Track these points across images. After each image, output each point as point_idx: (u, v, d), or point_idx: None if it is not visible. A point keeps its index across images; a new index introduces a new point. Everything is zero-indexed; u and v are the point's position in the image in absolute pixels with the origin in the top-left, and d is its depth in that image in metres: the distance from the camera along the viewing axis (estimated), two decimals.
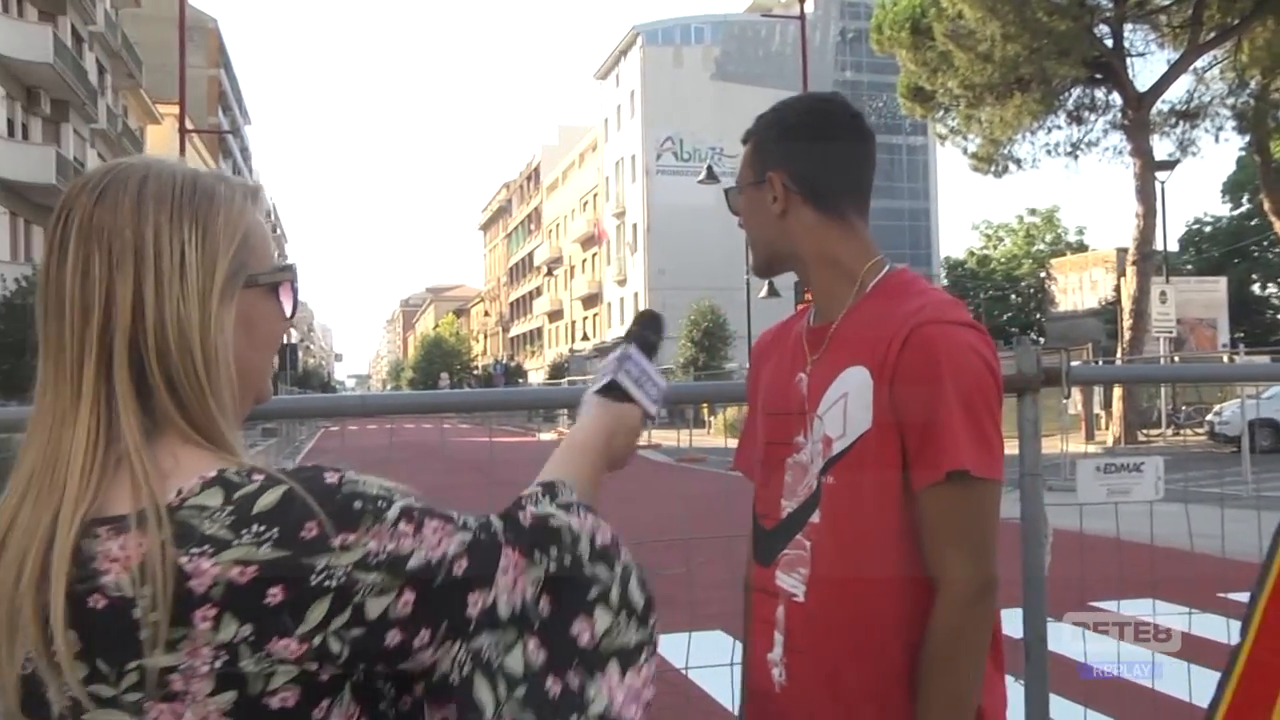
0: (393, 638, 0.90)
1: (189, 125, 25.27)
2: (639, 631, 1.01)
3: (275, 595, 0.85)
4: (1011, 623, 1.89)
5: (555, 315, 79.23)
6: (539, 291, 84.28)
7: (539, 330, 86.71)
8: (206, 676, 0.85)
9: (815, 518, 1.64)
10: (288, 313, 1.06)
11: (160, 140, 48.47)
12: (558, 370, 64.78)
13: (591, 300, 70.87)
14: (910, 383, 1.54)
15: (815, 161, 1.71)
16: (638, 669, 1.00)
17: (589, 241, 71.15)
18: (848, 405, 1.61)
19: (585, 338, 67.56)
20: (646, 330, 1.46)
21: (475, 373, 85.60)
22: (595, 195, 70.51)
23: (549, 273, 77.71)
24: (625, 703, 0.97)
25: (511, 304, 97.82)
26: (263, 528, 0.86)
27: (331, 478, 0.92)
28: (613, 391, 1.34)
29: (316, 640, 0.87)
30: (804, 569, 1.65)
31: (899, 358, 1.55)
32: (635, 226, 62.48)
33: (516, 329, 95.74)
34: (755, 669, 1.75)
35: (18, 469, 0.95)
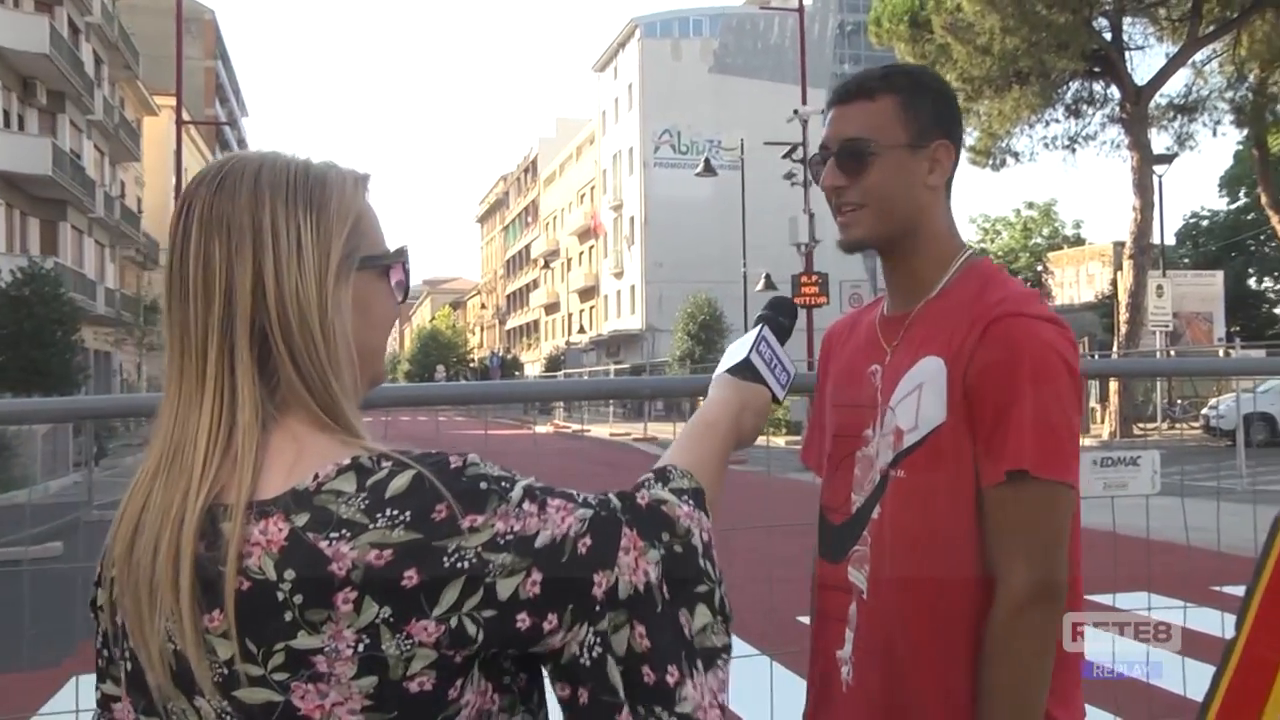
0: (523, 620, 0.92)
1: (186, 117, 25.23)
2: (724, 636, 1.03)
3: (411, 578, 0.88)
4: None
5: (552, 308, 79.17)
6: (536, 284, 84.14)
7: (535, 323, 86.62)
8: (350, 660, 0.88)
9: (876, 513, 1.61)
10: (399, 296, 1.09)
11: (157, 132, 48.37)
12: (554, 363, 64.77)
13: (588, 293, 70.78)
14: (985, 376, 1.50)
15: (962, 141, 1.69)
16: (717, 671, 1.01)
17: (586, 234, 71.05)
18: (921, 397, 1.56)
19: (582, 330, 67.51)
20: (780, 314, 1.47)
21: (471, 365, 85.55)
22: (592, 188, 70.38)
23: (546, 265, 77.60)
24: (708, 705, 0.99)
25: (508, 296, 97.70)
26: (396, 511, 0.89)
27: (456, 461, 0.95)
28: (744, 371, 1.36)
29: (453, 622, 0.89)
30: (868, 565, 1.62)
31: (976, 349, 1.51)
32: (632, 219, 62.38)
33: (513, 321, 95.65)
34: (823, 666, 1.72)
35: (149, 452, 0.98)
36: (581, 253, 73.09)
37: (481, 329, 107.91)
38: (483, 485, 0.93)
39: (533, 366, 77.17)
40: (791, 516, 2.88)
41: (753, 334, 1.41)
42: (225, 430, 0.95)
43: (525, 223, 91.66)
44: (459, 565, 0.89)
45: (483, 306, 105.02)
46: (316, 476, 0.92)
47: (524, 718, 1.00)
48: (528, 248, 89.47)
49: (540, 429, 25.73)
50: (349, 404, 0.99)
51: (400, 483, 0.91)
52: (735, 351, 1.40)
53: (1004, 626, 1.46)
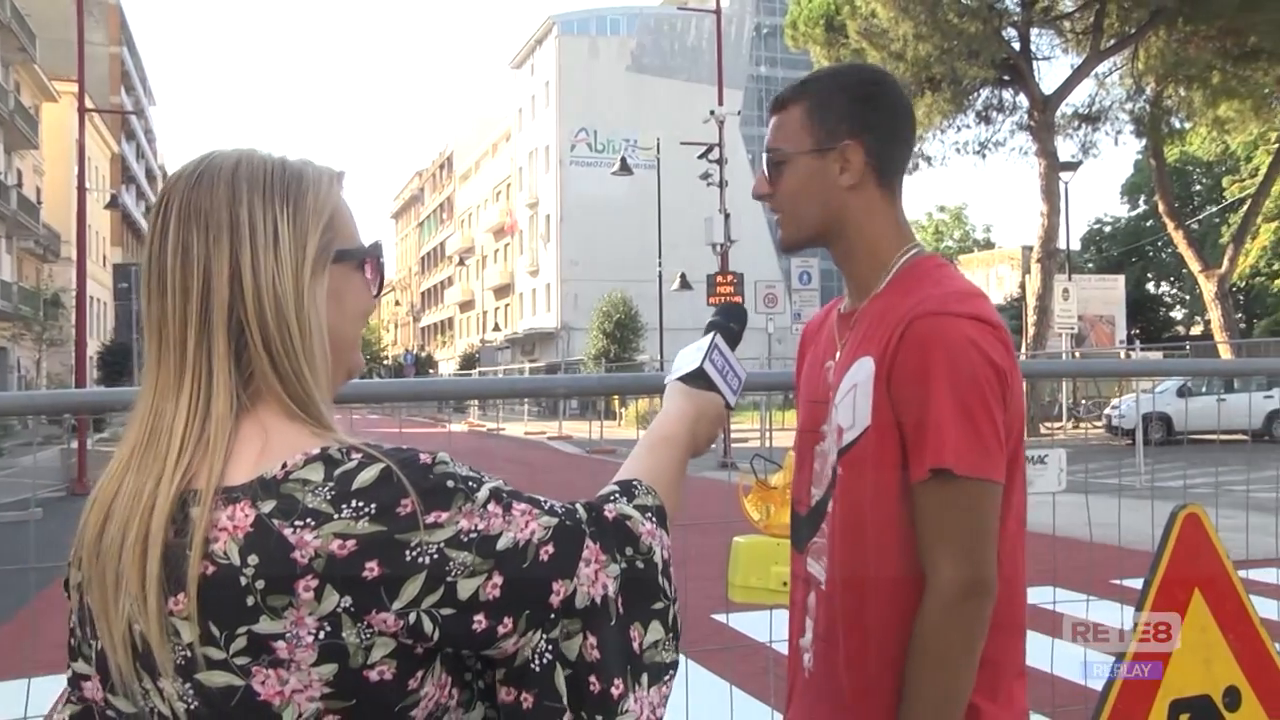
0: (479, 622, 0.93)
1: (89, 104, 24.44)
2: (673, 653, 1.05)
3: (372, 569, 0.89)
4: None
5: (467, 305, 78.52)
6: (451, 281, 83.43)
7: (450, 320, 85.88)
8: (310, 646, 0.89)
9: (830, 506, 1.64)
10: (374, 289, 1.11)
11: (57, 119, 46.70)
12: (469, 361, 64.24)
13: (504, 290, 70.42)
14: (905, 376, 1.51)
15: (890, 135, 1.66)
16: (660, 686, 1.03)
17: (502, 231, 70.67)
18: (856, 396, 1.58)
19: (497, 328, 67.13)
20: (730, 320, 1.48)
21: (385, 363, 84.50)
22: (509, 185, 70.01)
23: (461, 262, 76.92)
24: (648, 717, 1.00)
25: (423, 294, 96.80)
26: (361, 503, 0.90)
27: (425, 458, 0.95)
28: (697, 380, 1.36)
29: (411, 617, 0.90)
30: (825, 557, 1.65)
31: (896, 350, 1.52)
32: (548, 217, 62.21)
33: (427, 319, 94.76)
34: (791, 654, 1.76)
35: (123, 440, 1.00)
36: (497, 250, 72.70)
37: (396, 326, 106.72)
38: (449, 483, 0.94)
39: (447, 364, 76.50)
40: (707, 515, 2.89)
41: (705, 341, 1.41)
42: (200, 420, 0.97)
43: (440, 219, 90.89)
44: (420, 560, 0.90)
45: (397, 303, 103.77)
46: (285, 465, 0.93)
47: (479, 712, 1.01)
48: (443, 244, 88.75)
49: (455, 427, 25.52)
50: (322, 396, 1.01)
51: (368, 475, 0.92)
52: (687, 358, 1.40)
53: (930, 623, 1.48)
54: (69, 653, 1.07)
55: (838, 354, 1.68)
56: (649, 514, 1.08)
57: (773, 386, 3.60)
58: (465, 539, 0.92)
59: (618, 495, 1.10)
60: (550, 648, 0.96)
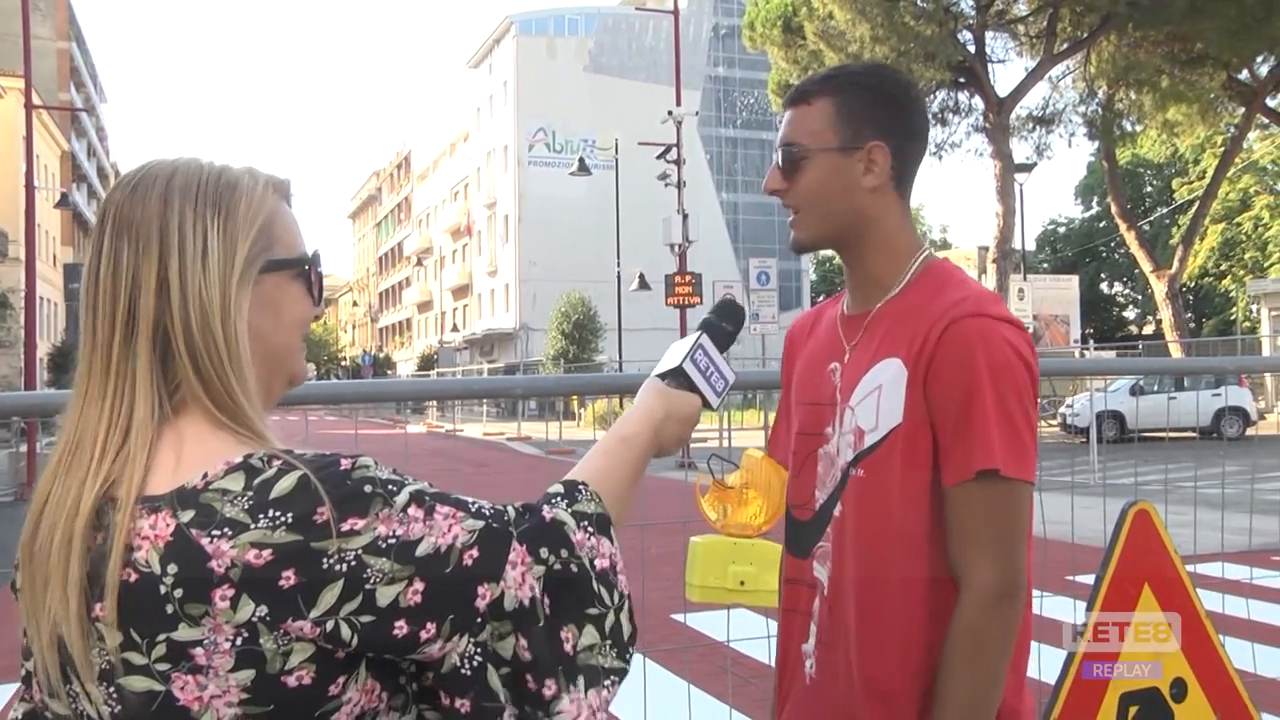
0: (400, 628, 0.93)
1: (36, 100, 24.04)
2: (615, 660, 1.04)
3: (289, 578, 0.89)
4: None
5: (425, 306, 78.07)
6: (408, 282, 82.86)
7: (408, 321, 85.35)
8: (227, 653, 0.89)
9: (838, 510, 1.61)
10: (314, 298, 1.11)
11: (4, 116, 45.73)
12: (427, 362, 63.88)
13: (462, 291, 70.05)
14: (946, 377, 1.50)
15: (909, 136, 1.65)
16: (600, 690, 1.02)
17: (460, 231, 70.30)
18: (881, 398, 1.56)
19: (455, 329, 66.78)
20: (723, 319, 1.44)
21: (343, 364, 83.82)
22: (466, 185, 69.67)
23: (419, 263, 76.49)
24: (585, 718, 1.00)
25: (380, 294, 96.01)
26: (278, 513, 0.90)
27: (346, 463, 0.96)
28: (676, 378, 1.34)
29: (329, 625, 0.90)
30: (830, 561, 1.62)
31: (935, 351, 1.51)
32: (507, 217, 61.96)
33: (385, 319, 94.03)
34: (789, 659, 1.73)
35: (56, 445, 1.02)
36: (455, 250, 72.33)
37: (353, 327, 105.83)
38: (367, 488, 0.94)
39: (406, 365, 76.04)
40: (665, 515, 2.89)
41: (691, 339, 1.39)
42: (122, 427, 0.98)
43: (398, 219, 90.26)
44: (337, 568, 0.90)
45: (355, 304, 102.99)
46: (206, 475, 0.94)
47: (418, 714, 1.01)
48: (400, 245, 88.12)
49: (413, 429, 25.36)
50: (251, 405, 1.01)
51: (286, 484, 0.92)
52: (674, 354, 1.38)
53: (968, 624, 1.47)
54: (22, 652, 1.07)
55: (846, 355, 1.66)
56: (585, 521, 1.07)
57: (739, 387, 3.59)
58: (383, 545, 0.92)
59: (559, 498, 1.10)
60: (479, 651, 0.96)
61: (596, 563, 1.05)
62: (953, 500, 1.50)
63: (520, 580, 0.98)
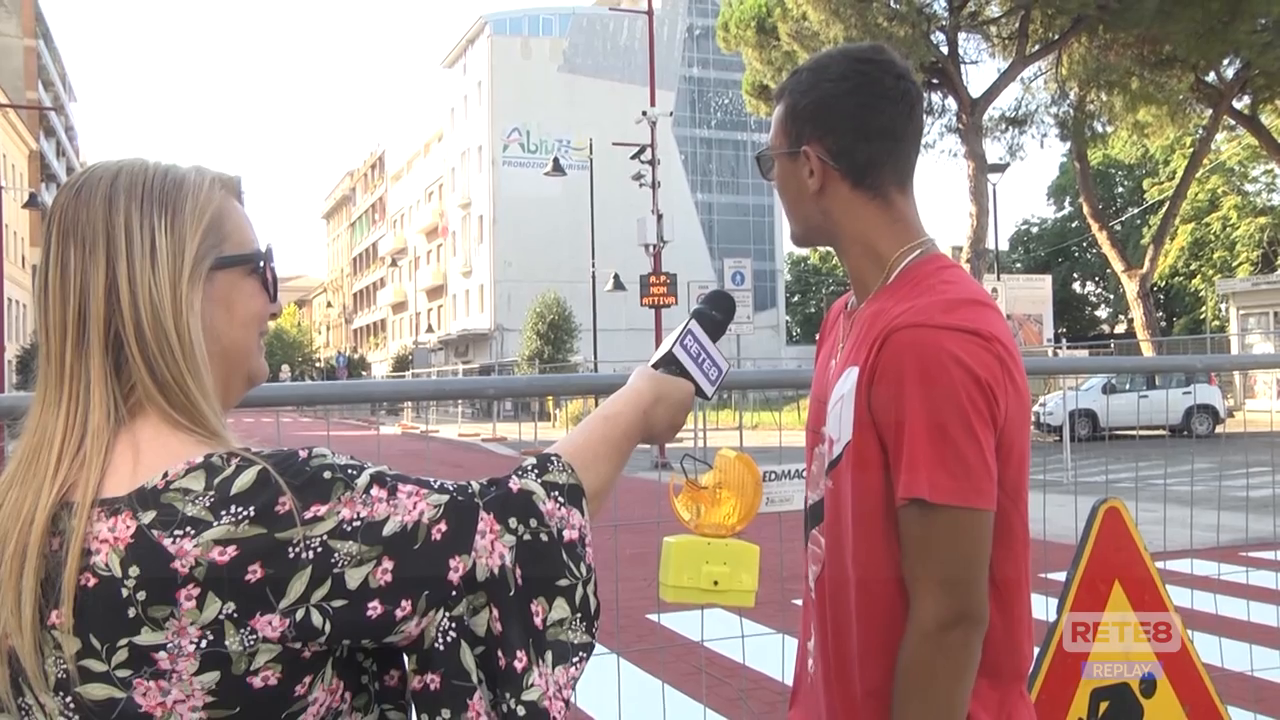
0: (374, 609, 0.92)
1: (2, 99, 23.77)
2: (584, 635, 1.04)
3: (255, 572, 0.88)
4: None
5: (400, 307, 77.72)
6: (383, 282, 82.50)
7: (383, 322, 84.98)
8: (192, 656, 0.88)
9: (823, 513, 1.58)
10: (268, 293, 1.10)
11: None
12: (402, 363, 63.60)
13: (436, 292, 69.81)
14: (881, 393, 1.42)
15: (855, 133, 1.53)
16: (568, 667, 1.02)
17: (434, 232, 70.06)
18: (843, 408, 1.49)
19: (430, 329, 66.57)
20: (715, 308, 1.43)
21: (318, 365, 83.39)
22: (441, 185, 69.43)
23: (393, 263, 76.12)
24: (553, 695, 1.00)
25: (355, 295, 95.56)
26: (240, 508, 0.90)
27: (302, 454, 0.95)
28: (668, 364, 1.34)
29: (299, 614, 0.90)
30: (816, 565, 1.60)
31: (875, 364, 1.42)
32: (481, 218, 61.79)
33: (360, 320, 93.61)
34: (799, 657, 1.72)
35: (13, 453, 1.00)
36: (430, 251, 72.08)
37: (328, 328, 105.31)
38: (326, 474, 0.94)
39: (380, 366, 75.72)
40: (637, 515, 2.90)
41: (681, 326, 1.39)
42: (78, 432, 0.96)
43: (372, 220, 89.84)
44: (304, 556, 0.90)
45: (329, 305, 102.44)
46: (166, 475, 0.92)
47: (380, 714, 1.01)
48: (375, 245, 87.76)
49: (387, 430, 25.24)
50: (209, 404, 1.00)
51: (245, 479, 0.91)
52: (666, 344, 1.38)
53: (916, 657, 1.39)
54: None
55: (838, 355, 1.61)
56: (556, 492, 1.06)
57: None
58: (349, 528, 0.92)
59: (529, 470, 1.08)
60: (454, 625, 0.96)
61: (565, 533, 1.05)
62: (901, 519, 1.42)
63: (490, 548, 0.98)
